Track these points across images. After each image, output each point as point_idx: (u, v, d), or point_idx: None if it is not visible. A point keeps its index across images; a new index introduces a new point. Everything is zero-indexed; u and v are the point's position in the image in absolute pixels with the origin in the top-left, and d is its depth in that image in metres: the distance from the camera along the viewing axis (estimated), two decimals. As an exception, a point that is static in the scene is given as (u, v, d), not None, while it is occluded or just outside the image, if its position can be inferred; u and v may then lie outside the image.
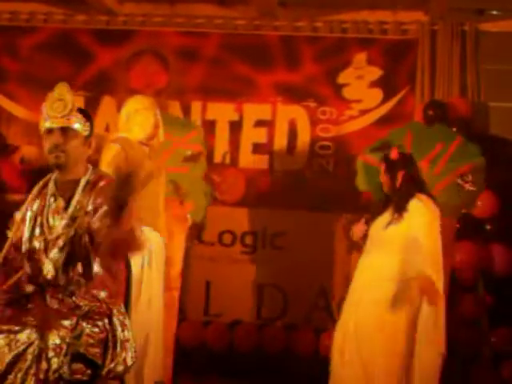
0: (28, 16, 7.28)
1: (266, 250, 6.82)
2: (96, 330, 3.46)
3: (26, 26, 7.25)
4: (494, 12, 7.05)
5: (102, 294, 3.53)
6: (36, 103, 6.99)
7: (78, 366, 3.44)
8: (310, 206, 6.80)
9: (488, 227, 6.51)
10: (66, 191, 3.63)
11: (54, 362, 3.29)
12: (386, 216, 5.10)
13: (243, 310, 6.69)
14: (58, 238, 3.55)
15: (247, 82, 7.05)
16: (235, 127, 7.05)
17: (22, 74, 7.15)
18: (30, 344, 3.31)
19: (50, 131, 3.58)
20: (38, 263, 3.55)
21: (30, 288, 3.54)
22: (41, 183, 3.75)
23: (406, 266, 4.95)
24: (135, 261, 4.64)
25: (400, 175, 5.09)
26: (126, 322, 3.63)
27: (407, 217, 5.00)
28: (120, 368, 3.52)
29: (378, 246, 5.07)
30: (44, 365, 3.29)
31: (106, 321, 3.50)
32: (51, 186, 3.68)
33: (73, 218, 3.56)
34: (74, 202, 3.59)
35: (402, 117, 6.86)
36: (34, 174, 6.80)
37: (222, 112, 7.07)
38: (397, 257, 4.97)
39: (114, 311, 3.55)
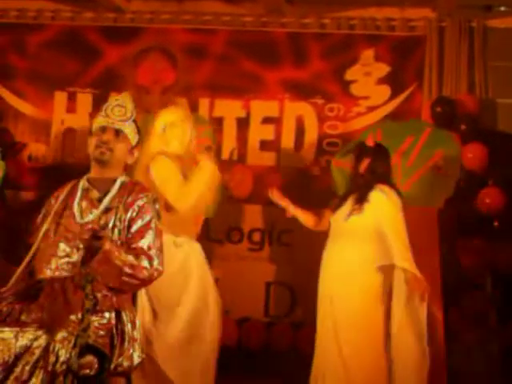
0: (36, 13, 7.29)
1: (274, 247, 6.82)
2: (104, 321, 3.49)
3: (34, 23, 7.26)
4: (502, 8, 7.05)
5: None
6: (43, 100, 7.13)
7: (87, 359, 3.47)
8: (318, 202, 6.78)
9: (495, 224, 6.50)
10: (101, 186, 3.75)
11: (62, 354, 3.31)
12: (346, 207, 5.09)
13: (251, 308, 6.67)
14: (91, 223, 3.59)
15: (255, 78, 7.05)
16: (243, 124, 7.05)
17: (30, 71, 7.16)
18: (38, 337, 3.32)
19: (103, 129, 3.77)
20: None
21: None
22: (66, 190, 3.81)
23: (374, 255, 4.95)
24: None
25: (365, 162, 5.08)
26: (137, 321, 3.65)
27: (368, 207, 4.99)
28: (126, 364, 3.53)
29: (341, 237, 5.08)
30: (52, 357, 3.30)
31: (113, 314, 3.53)
32: (83, 182, 3.79)
33: (107, 209, 3.64)
34: (110, 195, 3.71)
35: (410, 113, 6.86)
36: (42, 171, 6.83)
37: (229, 109, 7.08)
38: (364, 247, 4.97)
39: (125, 306, 3.58)
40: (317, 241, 6.64)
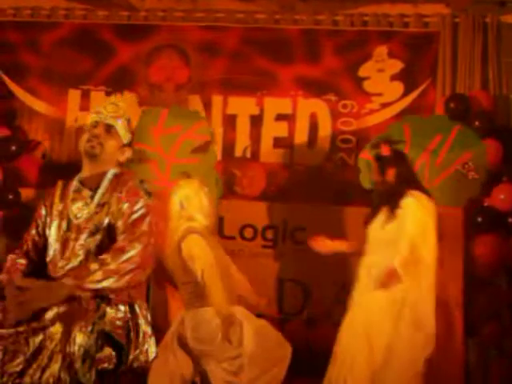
0: (49, 12, 7.31)
1: (287, 245, 6.82)
2: (120, 315, 3.52)
3: (48, 21, 7.27)
4: (517, 4, 7.01)
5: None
6: (57, 98, 7.15)
7: (105, 352, 3.49)
8: (331, 199, 6.78)
9: (510, 220, 6.47)
10: (93, 183, 3.75)
11: (80, 337, 3.35)
12: (381, 216, 5.09)
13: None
14: (86, 223, 3.60)
15: (268, 75, 7.05)
16: (256, 121, 7.04)
17: (44, 69, 7.18)
18: (55, 325, 3.36)
19: (95, 125, 3.82)
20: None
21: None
22: (58, 193, 3.83)
23: None
24: None
25: (391, 172, 5.08)
26: (148, 316, 3.67)
27: (400, 214, 4.98)
28: (142, 358, 3.56)
29: (379, 247, 5.06)
30: (70, 342, 3.34)
31: (128, 308, 3.55)
32: (74, 183, 3.80)
33: (101, 205, 3.63)
34: (100, 190, 3.71)
35: (424, 110, 6.83)
36: (56, 169, 6.84)
37: (242, 106, 7.07)
38: None
39: (137, 301, 3.60)
40: (330, 238, 6.66)
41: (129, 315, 3.57)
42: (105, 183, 3.73)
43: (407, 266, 4.91)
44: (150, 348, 3.63)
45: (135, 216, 3.63)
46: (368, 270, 5.13)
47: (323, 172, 6.98)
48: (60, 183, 3.87)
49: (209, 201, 5.30)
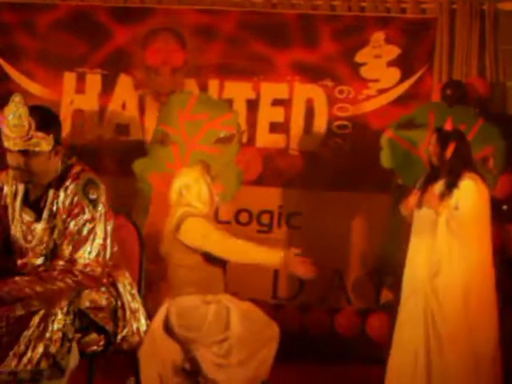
0: (45, -7, 7.27)
1: (282, 230, 6.83)
2: (104, 296, 3.51)
3: (43, 3, 7.22)
4: (514, -9, 7.00)
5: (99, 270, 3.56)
6: (53, 81, 7.12)
7: (90, 336, 3.50)
8: (327, 185, 6.79)
9: (505, 207, 6.49)
10: (38, 199, 3.63)
11: (57, 321, 3.33)
12: (434, 190, 5.10)
13: (259, 290, 6.68)
14: (38, 245, 3.57)
15: (264, 60, 7.02)
16: (252, 106, 7.03)
17: (39, 51, 7.14)
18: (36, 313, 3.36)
19: (10, 151, 3.52)
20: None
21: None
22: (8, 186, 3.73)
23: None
24: None
25: (451, 147, 5.09)
26: (134, 291, 3.67)
27: (457, 194, 5.00)
28: (135, 339, 3.56)
29: (432, 224, 5.08)
30: (49, 326, 3.33)
31: (112, 289, 3.55)
32: (19, 198, 3.67)
33: (50, 222, 3.59)
34: (46, 210, 3.59)
35: (420, 96, 6.83)
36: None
37: (239, 91, 7.05)
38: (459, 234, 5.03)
39: (119, 278, 3.59)
40: (325, 224, 6.68)
41: (114, 294, 3.57)
42: (49, 199, 3.60)
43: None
44: (139, 324, 3.64)
45: (81, 235, 3.54)
46: (427, 254, 5.14)
47: (319, 157, 6.97)
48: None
49: (210, 189, 5.31)
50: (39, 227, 3.57)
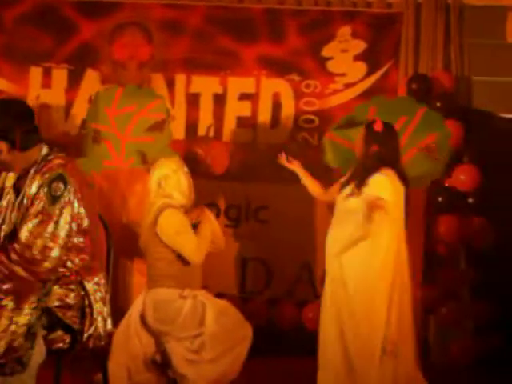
0: (11, -13, 7.21)
1: (250, 224, 6.84)
2: (72, 294, 3.52)
3: (9, -3, 7.18)
4: (478, -15, 7.05)
5: (70, 264, 3.57)
6: (18, 76, 7.06)
7: (56, 333, 3.50)
8: (294, 179, 6.79)
9: (470, 200, 6.56)
10: (21, 183, 3.69)
11: (23, 316, 3.34)
12: (349, 187, 5.12)
13: (227, 284, 6.71)
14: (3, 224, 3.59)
15: (231, 55, 7.02)
16: (219, 100, 7.03)
17: (5, 46, 7.07)
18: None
19: None
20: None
21: None
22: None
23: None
24: None
25: (373, 148, 5.10)
26: (105, 295, 3.67)
27: (366, 191, 5.01)
28: (102, 339, 3.57)
29: (341, 219, 5.11)
30: (16, 320, 3.34)
31: (79, 287, 3.55)
32: (12, 181, 3.75)
33: (20, 206, 3.64)
34: (25, 195, 3.64)
35: (386, 90, 6.87)
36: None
37: (206, 85, 7.04)
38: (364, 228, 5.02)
39: (86, 278, 3.59)
40: (292, 217, 6.70)
41: (82, 293, 3.58)
42: (27, 185, 3.67)
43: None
44: (107, 326, 3.64)
45: (33, 226, 3.57)
46: (333, 242, 5.18)
47: (286, 151, 6.95)
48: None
49: (188, 180, 5.34)
50: (9, 209, 3.62)
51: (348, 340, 5.03)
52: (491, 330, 6.39)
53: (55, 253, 3.52)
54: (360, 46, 6.99)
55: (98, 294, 3.64)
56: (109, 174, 6.26)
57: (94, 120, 6.36)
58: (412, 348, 5.07)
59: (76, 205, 3.61)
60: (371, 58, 6.97)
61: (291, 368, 6.08)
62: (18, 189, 3.67)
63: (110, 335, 3.70)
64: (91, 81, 7.03)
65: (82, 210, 3.63)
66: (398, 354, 4.99)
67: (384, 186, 5.01)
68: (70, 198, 3.59)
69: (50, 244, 3.53)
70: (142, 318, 5.20)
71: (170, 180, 5.30)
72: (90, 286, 3.62)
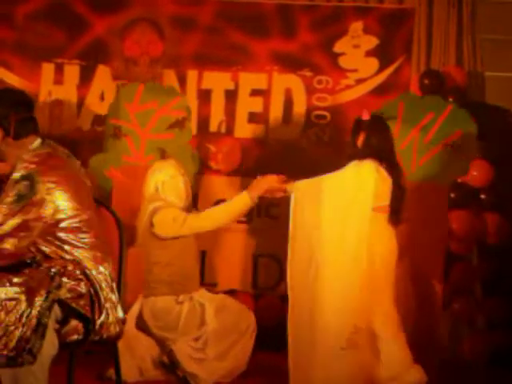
0: (22, -16, 7.23)
1: (262, 220, 6.83)
2: (82, 283, 3.53)
3: (21, -7, 7.20)
4: (491, -19, 7.03)
5: (68, 256, 3.57)
6: (31, 72, 7.08)
7: (70, 325, 3.51)
8: (306, 175, 6.79)
9: (483, 196, 6.54)
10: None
11: (34, 308, 3.35)
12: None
13: (239, 280, 6.71)
14: None
15: (243, 50, 7.02)
16: (231, 96, 7.02)
17: (17, 42, 7.10)
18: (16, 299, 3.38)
19: None
20: None
21: None
22: None
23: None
24: None
25: (361, 137, 5.09)
26: (113, 284, 3.67)
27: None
28: (115, 328, 3.59)
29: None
30: (28, 312, 3.35)
31: (84, 276, 3.56)
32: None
33: None
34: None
35: (398, 86, 6.85)
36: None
37: (217, 81, 7.04)
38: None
39: (89, 267, 3.60)
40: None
41: (87, 281, 3.59)
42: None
43: None
44: (118, 315, 3.65)
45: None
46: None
47: (298, 147, 6.98)
48: None
49: (185, 183, 5.35)
50: None
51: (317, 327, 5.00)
52: (504, 326, 6.37)
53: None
54: (372, 41, 6.97)
55: (104, 283, 3.64)
56: (127, 169, 6.26)
57: (114, 116, 6.37)
58: (398, 343, 5.02)
59: (50, 201, 3.59)
60: (383, 54, 6.95)
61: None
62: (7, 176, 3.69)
63: (122, 322, 3.69)
64: (103, 77, 7.04)
65: (64, 204, 3.62)
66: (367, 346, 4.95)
67: (348, 173, 5.04)
68: (37, 201, 3.59)
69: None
70: (140, 324, 5.24)
71: (167, 185, 5.32)
72: (93, 274, 3.62)
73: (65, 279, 3.52)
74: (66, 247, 3.61)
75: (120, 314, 3.68)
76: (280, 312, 6.63)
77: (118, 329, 3.66)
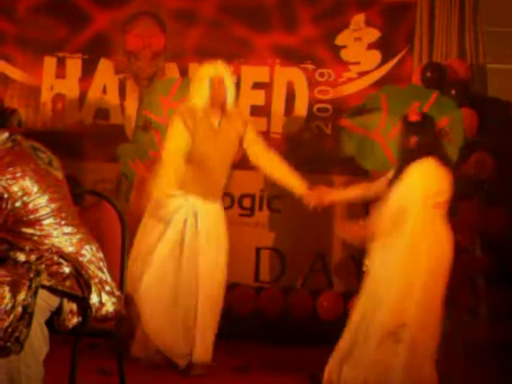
0: (24, -22, 7.22)
1: (264, 213, 6.84)
2: (62, 265, 3.53)
3: (24, -12, 7.19)
4: (493, -27, 7.02)
5: (43, 246, 3.58)
6: (33, 65, 7.09)
7: (66, 310, 3.52)
8: (308, 168, 6.79)
9: (485, 189, 6.53)
10: None
11: (19, 295, 3.37)
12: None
13: (241, 273, 6.70)
14: None
15: (245, 43, 7.02)
16: (233, 89, 7.01)
17: (19, 36, 7.10)
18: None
19: None
20: None
21: None
22: None
23: None
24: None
25: (413, 139, 5.08)
26: (101, 264, 3.68)
27: (401, 183, 5.00)
28: (107, 309, 3.60)
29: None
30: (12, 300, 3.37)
31: (63, 260, 3.57)
32: None
33: None
34: None
35: (401, 79, 6.84)
36: (31, 137, 6.80)
37: (219, 74, 7.03)
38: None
39: (65, 251, 3.60)
40: (305, 206, 6.68)
41: (69, 262, 3.59)
42: None
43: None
44: (109, 290, 3.66)
45: None
46: None
47: (300, 140, 6.99)
48: None
49: (215, 87, 5.55)
50: None
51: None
52: (507, 317, 6.37)
53: None
54: (374, 34, 6.97)
55: (87, 264, 3.64)
56: (152, 164, 6.27)
57: (148, 107, 6.39)
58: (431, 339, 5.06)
59: (11, 196, 3.59)
60: (385, 47, 6.95)
61: (305, 356, 6.08)
62: None
63: (119, 299, 3.69)
64: (105, 70, 7.05)
65: (28, 197, 3.61)
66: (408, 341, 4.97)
67: (416, 173, 5.00)
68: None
69: None
70: None
71: (192, 85, 5.63)
72: (72, 257, 3.62)
73: (43, 266, 3.53)
74: (35, 238, 3.61)
75: (114, 290, 3.68)
76: (282, 305, 6.66)
77: (115, 303, 3.66)
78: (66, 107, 7.07)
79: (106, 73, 7.03)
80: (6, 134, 3.75)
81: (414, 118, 5.12)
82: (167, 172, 5.41)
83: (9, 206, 3.57)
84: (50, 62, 7.09)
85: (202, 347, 5.43)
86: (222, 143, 5.55)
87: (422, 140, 5.06)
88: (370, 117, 5.61)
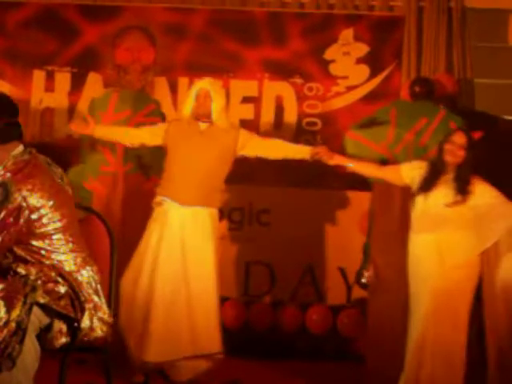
0: (14, -9, 7.23)
1: (253, 227, 6.85)
2: (59, 284, 3.53)
3: (12, 1, 7.19)
4: (480, -12, 7.06)
5: (46, 261, 3.58)
6: (22, 79, 7.09)
7: (56, 328, 3.51)
8: (297, 182, 6.82)
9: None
10: None
11: (14, 312, 3.36)
12: (444, 193, 5.14)
13: (230, 287, 6.70)
14: None
15: (234, 58, 7.05)
16: (222, 103, 7.02)
17: (8, 49, 7.09)
18: None
19: None
20: None
21: None
22: None
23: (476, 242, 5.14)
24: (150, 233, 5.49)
25: (469, 156, 5.18)
26: (98, 286, 3.67)
27: (472, 198, 5.11)
28: (97, 333, 3.58)
29: (441, 224, 5.11)
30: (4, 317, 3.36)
31: (62, 278, 3.56)
32: None
33: None
34: None
35: (389, 93, 6.88)
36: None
37: (208, 88, 7.04)
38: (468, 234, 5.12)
39: (67, 269, 3.60)
40: (295, 220, 6.71)
41: (66, 282, 3.59)
42: None
43: None
44: (100, 316, 3.65)
45: None
46: (437, 249, 5.15)
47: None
48: None
49: (200, 99, 5.66)
50: None
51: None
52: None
53: None
54: (362, 48, 7.00)
55: (86, 285, 3.64)
56: (106, 179, 6.30)
57: None
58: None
59: (26, 208, 3.59)
60: (373, 61, 6.98)
61: (295, 371, 6.08)
62: None
63: (109, 325, 3.69)
64: (94, 84, 7.05)
65: (41, 211, 3.61)
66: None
67: (489, 191, 5.15)
68: (12, 206, 3.58)
69: None
70: None
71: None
72: (72, 276, 3.62)
73: (39, 282, 3.52)
74: (43, 252, 3.61)
75: (106, 316, 3.68)
76: (271, 319, 6.66)
77: (104, 330, 3.66)
78: (55, 121, 7.07)
79: (95, 86, 7.03)
80: (22, 146, 3.75)
81: (477, 135, 5.30)
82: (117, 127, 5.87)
83: (25, 216, 3.57)
84: (39, 76, 7.09)
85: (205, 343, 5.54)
86: (205, 149, 5.56)
87: (468, 157, 5.16)
88: (378, 129, 5.65)
